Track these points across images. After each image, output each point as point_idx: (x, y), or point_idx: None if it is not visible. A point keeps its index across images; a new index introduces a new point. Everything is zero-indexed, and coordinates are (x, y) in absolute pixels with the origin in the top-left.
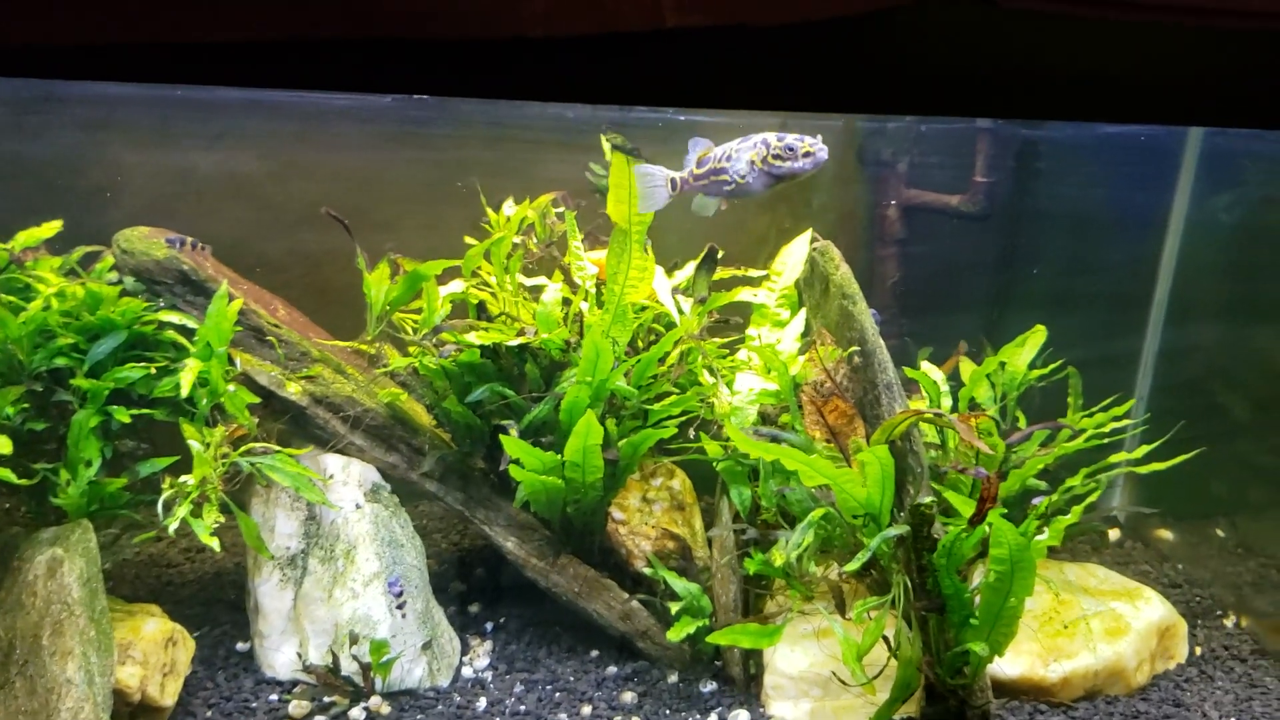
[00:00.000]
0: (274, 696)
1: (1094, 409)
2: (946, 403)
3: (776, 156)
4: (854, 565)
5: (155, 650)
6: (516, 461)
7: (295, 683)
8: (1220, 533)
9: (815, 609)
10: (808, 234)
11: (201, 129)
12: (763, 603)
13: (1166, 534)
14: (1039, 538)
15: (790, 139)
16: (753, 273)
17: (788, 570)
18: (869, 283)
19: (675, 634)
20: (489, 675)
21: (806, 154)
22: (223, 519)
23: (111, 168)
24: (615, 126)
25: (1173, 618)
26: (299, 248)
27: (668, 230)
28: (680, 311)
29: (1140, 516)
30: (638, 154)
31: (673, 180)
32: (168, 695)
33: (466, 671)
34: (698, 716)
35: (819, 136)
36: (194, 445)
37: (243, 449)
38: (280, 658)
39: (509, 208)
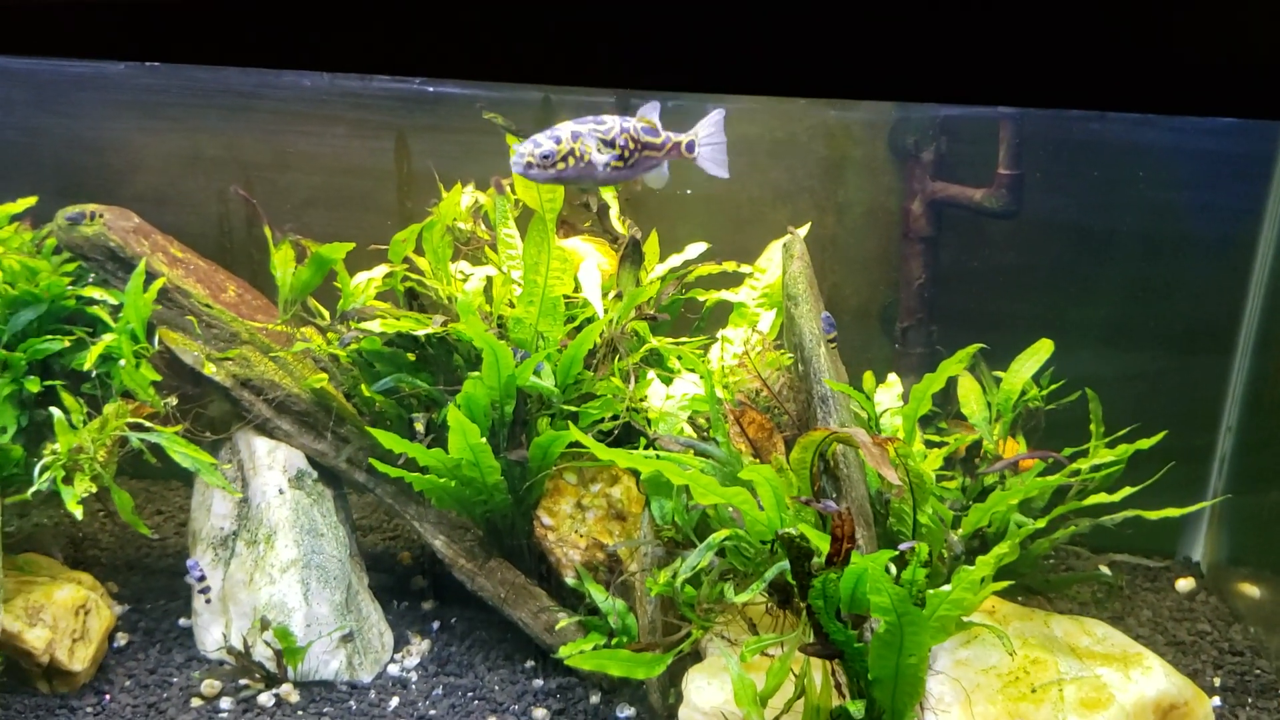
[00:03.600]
0: (196, 674)
1: (1114, 436)
2: (895, 421)
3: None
4: (745, 596)
5: (65, 616)
6: (405, 461)
7: (222, 663)
8: None
9: (764, 639)
10: (804, 229)
11: None
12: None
13: (1251, 589)
14: (943, 589)
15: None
16: (744, 269)
17: (673, 594)
18: (896, 284)
19: (567, 651)
20: (414, 675)
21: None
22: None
23: None
24: (491, 105)
25: (1184, 694)
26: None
27: (684, 217)
28: (652, 309)
29: (1221, 567)
30: (521, 135)
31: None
32: (77, 661)
33: (394, 669)
34: None
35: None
36: (56, 413)
37: (116, 424)
38: (210, 637)
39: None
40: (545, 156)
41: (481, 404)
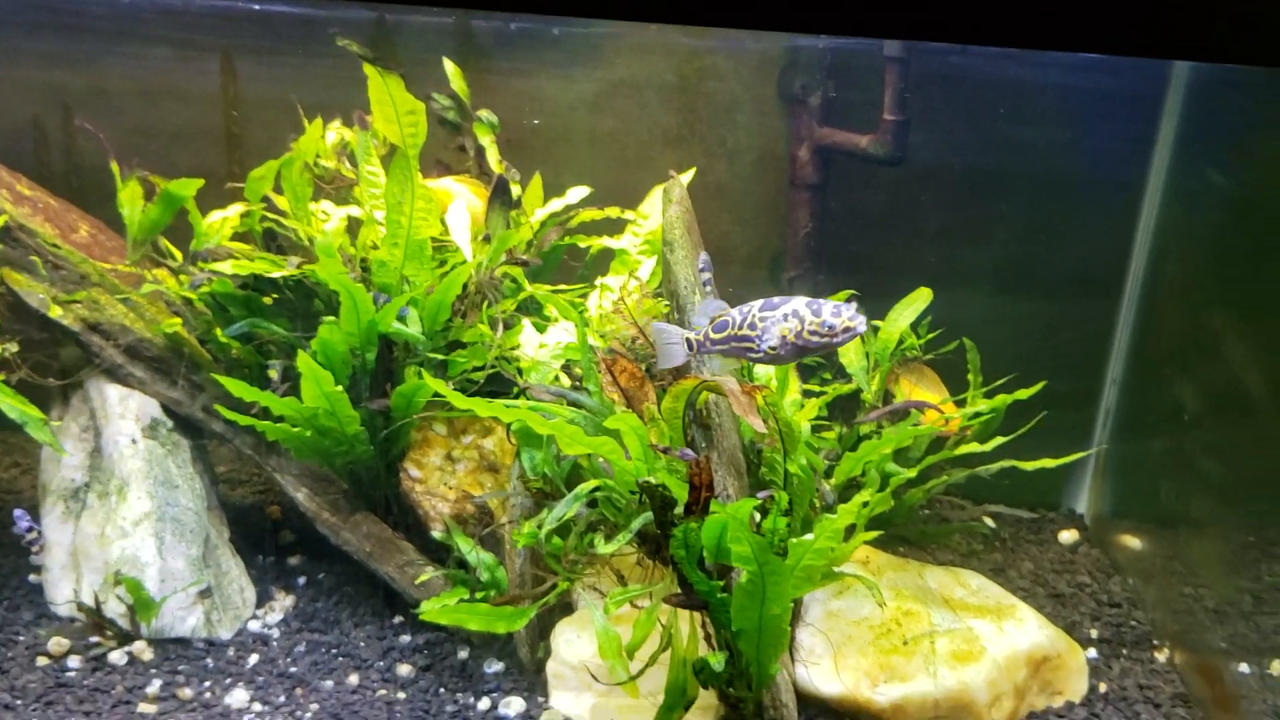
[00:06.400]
0: (43, 631)
1: (993, 385)
2: (767, 371)
3: (813, 333)
4: (611, 547)
5: None
6: (262, 411)
7: (73, 620)
8: (1201, 543)
9: (629, 590)
10: (687, 175)
11: None
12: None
13: (1132, 541)
14: (806, 537)
15: (827, 315)
16: (628, 215)
17: (536, 545)
18: (784, 232)
19: (427, 606)
20: (276, 631)
21: (846, 329)
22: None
23: None
24: (342, 29)
25: (1057, 646)
26: None
27: (569, 160)
28: (531, 254)
29: (1104, 519)
30: (383, 62)
31: (689, 341)
32: None
33: (255, 625)
34: (470, 699)
35: (854, 305)
36: None
37: None
38: (60, 593)
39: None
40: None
41: (339, 351)
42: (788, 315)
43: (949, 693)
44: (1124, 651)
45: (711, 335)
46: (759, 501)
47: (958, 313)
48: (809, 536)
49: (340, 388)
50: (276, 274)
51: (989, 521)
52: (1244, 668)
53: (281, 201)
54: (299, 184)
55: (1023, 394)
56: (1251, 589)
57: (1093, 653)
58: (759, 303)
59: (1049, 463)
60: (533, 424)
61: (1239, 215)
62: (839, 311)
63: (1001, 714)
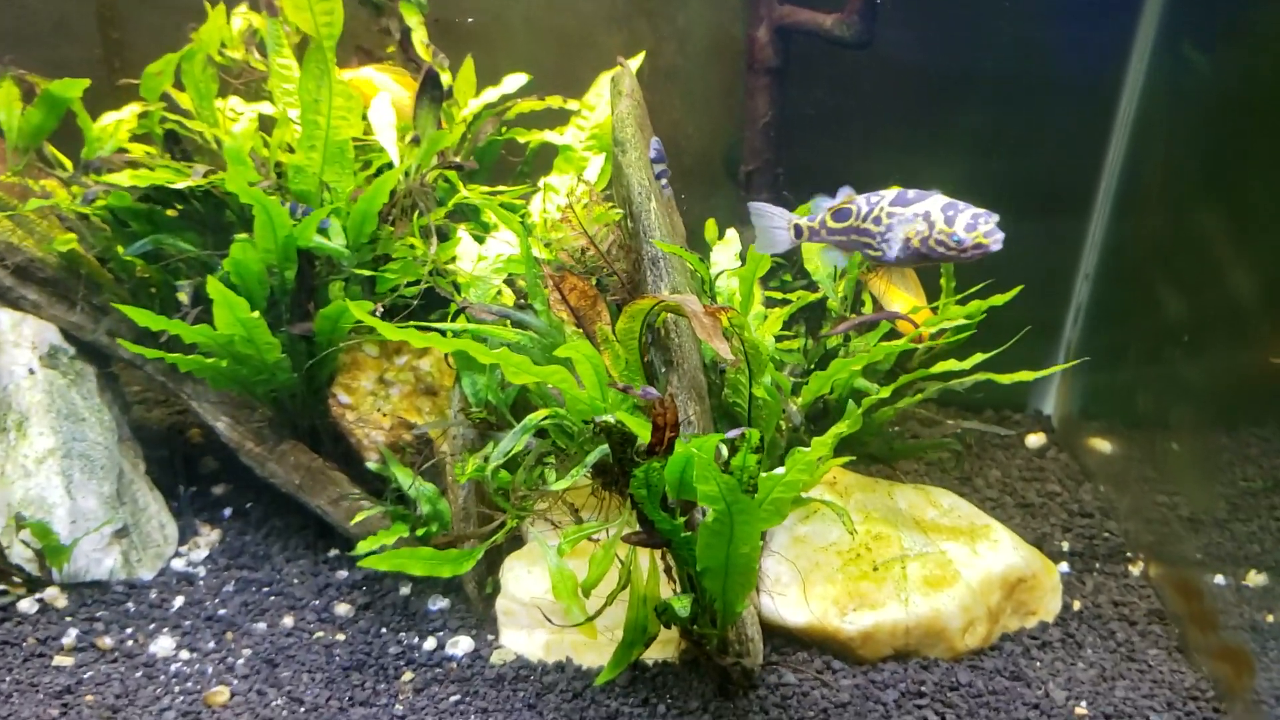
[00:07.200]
0: None
1: (966, 293)
2: (732, 284)
3: (939, 243)
4: (564, 483)
5: None
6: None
7: None
8: (1175, 446)
9: (584, 528)
10: (637, 61)
11: None
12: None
13: (1102, 445)
14: (776, 472)
15: (959, 227)
16: (571, 105)
17: (482, 481)
18: (742, 122)
19: (364, 548)
20: (203, 570)
21: (977, 245)
22: None
23: None
24: None
25: (1032, 566)
26: None
27: (504, 43)
28: (464, 155)
29: (1073, 420)
30: None
31: (797, 226)
32: None
33: (178, 564)
34: (415, 639)
35: (994, 217)
36: None
37: None
38: None
39: None
40: None
41: (255, 270)
42: (918, 215)
43: (921, 620)
44: (1097, 565)
45: (829, 224)
46: (724, 437)
47: None
48: (779, 471)
49: (257, 313)
50: (181, 184)
51: (957, 430)
52: (1220, 579)
53: (184, 99)
54: (202, 79)
55: (997, 300)
56: (1226, 495)
57: (1065, 567)
58: (891, 194)
59: (1026, 376)
60: (474, 353)
61: (1222, 109)
62: (974, 224)
63: (975, 639)
